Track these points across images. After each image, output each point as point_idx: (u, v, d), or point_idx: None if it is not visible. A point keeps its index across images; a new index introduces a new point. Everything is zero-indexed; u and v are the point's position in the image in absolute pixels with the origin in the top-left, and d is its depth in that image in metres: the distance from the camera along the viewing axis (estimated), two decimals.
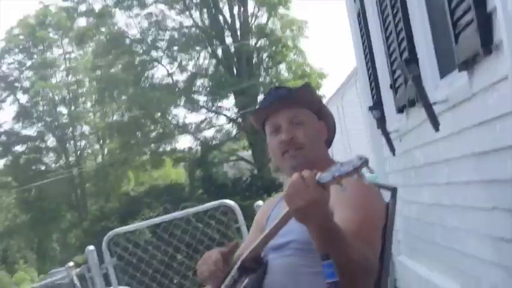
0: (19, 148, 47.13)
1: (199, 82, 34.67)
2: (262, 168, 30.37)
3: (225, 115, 34.17)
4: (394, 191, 3.08)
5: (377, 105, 6.20)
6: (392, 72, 5.29)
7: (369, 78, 6.97)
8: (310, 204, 2.54)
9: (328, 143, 3.15)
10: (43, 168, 46.66)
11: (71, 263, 6.94)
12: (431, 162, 4.50)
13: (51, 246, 58.51)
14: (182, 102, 33.91)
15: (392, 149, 5.89)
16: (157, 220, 7.01)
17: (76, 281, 6.53)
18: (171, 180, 35.44)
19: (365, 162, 2.50)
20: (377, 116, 6.06)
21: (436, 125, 3.90)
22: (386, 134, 5.93)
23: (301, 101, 3.05)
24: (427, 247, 5.17)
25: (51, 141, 47.65)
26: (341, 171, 2.51)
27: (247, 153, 33.95)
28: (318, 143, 3.05)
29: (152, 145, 34.78)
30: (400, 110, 5.16)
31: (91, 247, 6.54)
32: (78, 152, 47.69)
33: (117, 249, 6.78)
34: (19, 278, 52.77)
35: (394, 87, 5.31)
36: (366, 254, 2.69)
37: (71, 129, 47.30)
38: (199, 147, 34.77)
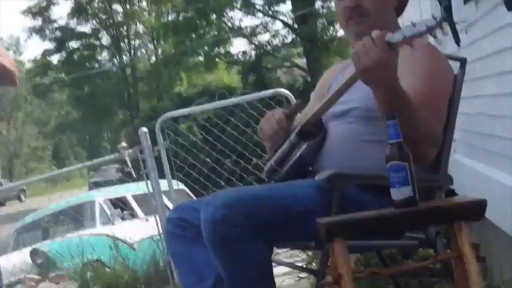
0: (73, 44, 47.36)
1: None
2: (316, 76, 30.08)
3: (282, 20, 33.84)
4: (463, 61, 2.99)
5: None
6: None
7: None
8: (378, 65, 2.48)
9: (398, 11, 3.02)
10: (97, 66, 46.87)
11: (124, 144, 6.96)
12: (500, 49, 4.35)
13: (102, 144, 59.49)
14: (238, 5, 33.58)
15: (457, 41, 5.71)
16: (212, 105, 6.95)
17: (128, 161, 6.55)
18: (223, 84, 35.42)
19: (440, 22, 2.39)
20: (444, 4, 5.87)
21: (509, 4, 3.74)
22: (452, 25, 5.74)
23: None
24: (486, 142, 5.07)
25: (105, 39, 47.80)
26: (413, 31, 2.42)
27: (302, 61, 33.72)
28: (385, 10, 2.94)
29: (206, 47, 34.63)
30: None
31: (144, 129, 6.55)
32: (132, 51, 47.82)
33: (170, 133, 6.78)
34: (69, 173, 53.89)
35: None
36: (431, 124, 2.63)
37: (125, 27, 47.32)
38: (253, 52, 34.63)
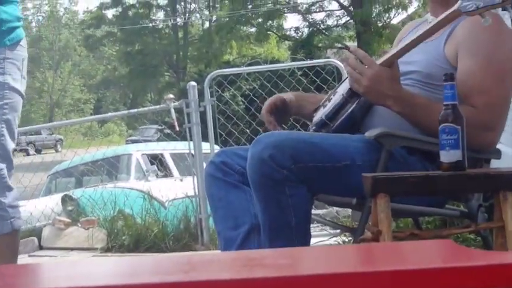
0: (130, 0, 47.49)
1: None
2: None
3: (338, 1, 33.63)
4: None
5: None
6: None
7: None
8: (376, 80, 2.61)
9: None
10: (150, 25, 46.99)
11: (171, 95, 6.96)
12: None
13: (145, 104, 59.76)
14: None
15: None
16: (263, 67, 6.96)
17: (172, 111, 6.56)
18: (272, 57, 35.35)
19: None
20: None
21: None
22: None
23: None
24: None
25: None
26: (486, 1, 2.40)
27: (353, 44, 33.52)
28: None
29: (260, 19, 34.53)
30: None
31: (193, 83, 6.55)
32: (187, 15, 47.89)
33: (218, 90, 6.78)
34: (108, 129, 54.32)
35: None
36: (479, 113, 2.59)
37: None
38: (306, 29, 34.48)
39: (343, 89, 2.86)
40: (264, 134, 2.64)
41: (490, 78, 2.64)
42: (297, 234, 2.58)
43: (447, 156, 2.33)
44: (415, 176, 2.35)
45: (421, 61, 2.77)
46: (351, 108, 2.80)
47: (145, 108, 7.26)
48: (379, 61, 2.67)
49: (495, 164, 2.81)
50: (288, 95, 3.10)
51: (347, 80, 2.87)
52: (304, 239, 2.61)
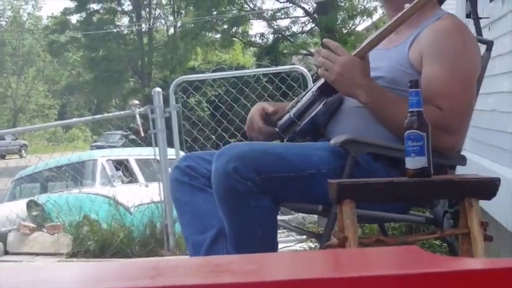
0: (95, 6, 47.23)
1: None
2: None
3: (303, 8, 33.73)
4: (490, 44, 2.97)
5: None
6: None
7: None
8: (347, 67, 2.64)
9: None
10: (115, 30, 46.79)
11: (136, 101, 6.94)
12: None
13: (109, 109, 59.43)
14: None
15: (479, 36, 5.71)
16: (229, 73, 6.95)
17: (137, 117, 6.54)
18: (237, 64, 35.37)
19: None
20: None
21: None
22: (476, 21, 5.73)
23: None
24: (496, 139, 5.06)
25: (127, 4, 47.68)
26: None
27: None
28: None
29: (225, 25, 34.55)
30: None
31: (158, 89, 6.53)
32: (152, 21, 47.74)
33: (184, 97, 6.77)
34: (72, 134, 53.97)
35: None
36: (444, 115, 2.60)
37: None
38: (271, 36, 34.54)
39: (312, 88, 2.86)
40: (227, 146, 2.64)
41: (455, 83, 2.66)
42: (263, 245, 2.58)
43: (413, 162, 2.34)
44: (380, 182, 2.36)
45: (385, 67, 2.78)
46: (319, 106, 2.80)
47: (110, 114, 7.24)
48: (352, 53, 2.69)
49: (461, 170, 2.83)
50: (265, 104, 3.09)
51: (315, 83, 2.88)
52: (271, 249, 2.62)
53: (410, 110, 2.36)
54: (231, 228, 2.61)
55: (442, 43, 2.70)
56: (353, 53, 2.68)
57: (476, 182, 2.36)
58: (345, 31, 32.57)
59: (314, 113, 2.80)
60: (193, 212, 2.81)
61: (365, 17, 32.45)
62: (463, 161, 2.75)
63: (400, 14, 2.59)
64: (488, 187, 2.35)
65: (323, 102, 2.78)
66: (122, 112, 6.90)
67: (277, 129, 2.92)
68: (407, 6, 2.55)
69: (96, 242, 6.54)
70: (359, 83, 2.63)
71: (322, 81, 2.77)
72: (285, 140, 2.91)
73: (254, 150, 2.59)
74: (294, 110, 2.86)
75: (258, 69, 6.78)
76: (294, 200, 2.67)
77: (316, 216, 2.99)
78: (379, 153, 2.66)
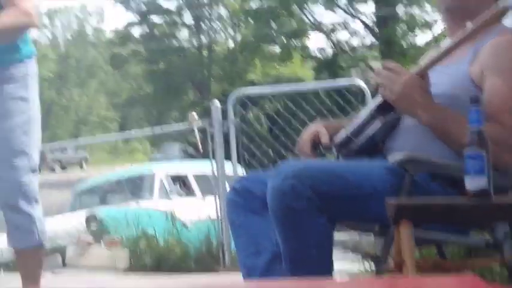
0: (156, 20, 47.69)
1: None
2: None
3: (362, 21, 33.60)
4: None
5: None
6: None
7: None
8: (408, 86, 2.57)
9: None
10: (176, 43, 47.14)
11: (194, 115, 6.94)
12: None
13: (169, 122, 59.80)
14: (321, 0, 33.40)
15: None
16: (287, 88, 6.93)
17: (196, 132, 6.54)
18: (296, 77, 35.35)
19: None
20: None
21: None
22: None
23: None
24: None
25: (188, 18, 48.01)
26: None
27: (377, 64, 33.45)
28: None
29: (284, 38, 34.58)
30: None
31: (216, 103, 6.53)
32: (212, 34, 47.99)
33: (242, 111, 6.74)
34: (132, 146, 54.51)
35: None
36: (495, 131, 2.51)
37: (208, 9, 47.49)
38: (330, 49, 34.46)
39: (370, 106, 2.81)
40: (284, 164, 2.61)
41: None
42: (319, 265, 2.54)
43: (472, 182, 2.27)
44: (439, 204, 2.30)
45: (446, 83, 2.72)
46: (377, 125, 2.75)
47: (169, 128, 7.24)
48: (412, 71, 2.64)
49: None
50: (321, 129, 3.02)
51: (373, 100, 2.83)
52: (326, 270, 2.57)
53: (470, 127, 2.29)
54: (286, 248, 2.56)
55: (503, 58, 2.64)
56: (413, 72, 2.62)
57: None
58: (404, 44, 32.35)
59: (372, 132, 2.75)
60: (247, 234, 2.79)
61: (425, 30, 32.21)
62: None
63: (462, 33, 2.53)
64: None
65: (381, 121, 2.73)
66: (181, 125, 6.90)
67: (333, 146, 2.88)
68: (469, 24, 2.49)
69: (153, 258, 6.57)
70: (420, 102, 2.57)
71: (380, 99, 2.72)
72: (340, 157, 2.87)
73: (311, 168, 2.54)
74: (351, 127, 2.81)
75: (316, 84, 6.74)
76: (351, 219, 2.62)
77: (373, 236, 2.93)
78: (437, 172, 2.60)
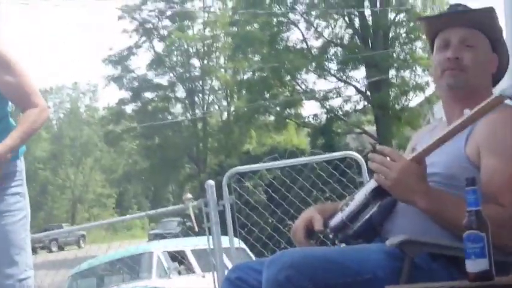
0: (149, 95, 48.05)
1: (332, 50, 34.40)
2: (385, 143, 29.81)
3: (354, 86, 33.80)
4: None
5: None
6: None
7: None
8: (404, 174, 2.53)
9: (495, 80, 2.92)
10: (169, 118, 47.41)
11: (189, 195, 6.92)
12: None
13: (166, 196, 59.84)
14: (313, 68, 33.68)
15: None
16: (282, 163, 6.91)
17: (191, 213, 6.49)
18: (292, 145, 35.44)
19: None
20: None
21: None
22: None
23: (481, 23, 2.84)
24: None
25: (180, 92, 48.41)
26: None
27: (372, 128, 33.59)
28: (483, 73, 2.84)
29: (278, 107, 34.75)
30: None
31: (211, 182, 6.48)
32: (205, 106, 48.29)
33: (237, 188, 6.71)
34: (131, 223, 54.27)
35: None
36: (496, 212, 2.47)
37: (201, 82, 47.90)
38: (324, 116, 34.59)
39: (365, 190, 2.76)
40: (278, 254, 2.53)
41: None
42: None
43: (473, 265, 2.21)
44: None
45: (442, 162, 2.68)
46: (373, 209, 2.69)
47: (164, 209, 7.21)
48: (408, 157, 2.60)
49: None
50: (315, 214, 2.98)
51: (368, 183, 2.79)
52: None
53: (468, 209, 2.24)
54: None
55: (499, 135, 2.62)
56: (409, 158, 2.59)
57: None
58: (398, 107, 32.51)
59: (368, 215, 2.70)
60: None
61: (417, 92, 32.40)
62: None
63: (460, 121, 2.49)
64: None
65: (377, 205, 2.69)
66: (176, 207, 6.86)
67: (328, 231, 2.82)
68: (467, 112, 2.45)
69: None
70: (416, 189, 2.53)
71: (375, 183, 2.68)
72: (336, 241, 2.81)
73: (307, 257, 2.48)
74: (346, 212, 2.75)
75: (311, 157, 6.72)
76: None
77: None
78: (437, 252, 2.54)
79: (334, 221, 2.81)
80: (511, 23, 7.12)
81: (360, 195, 2.76)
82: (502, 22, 2.98)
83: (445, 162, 2.67)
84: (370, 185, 2.73)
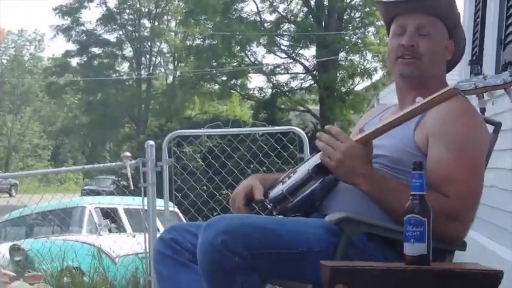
0: (96, 50, 47.50)
1: (285, 26, 34.36)
2: (327, 123, 29.84)
3: (303, 64, 33.81)
4: (498, 125, 2.87)
5: (477, 60, 5.98)
6: (506, 27, 5.05)
7: (473, 31, 6.76)
8: (347, 155, 2.54)
9: (450, 65, 2.91)
10: (114, 75, 46.96)
11: (127, 153, 6.83)
12: None
13: (103, 153, 59.32)
14: (264, 42, 33.61)
15: (482, 111, 5.64)
16: (225, 131, 6.86)
17: (128, 171, 6.42)
18: (234, 116, 35.40)
19: None
20: (475, 72, 5.83)
21: None
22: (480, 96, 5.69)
23: (439, 10, 2.80)
24: (494, 216, 4.95)
25: (128, 51, 47.95)
26: (486, 82, 2.36)
27: (315, 108, 33.68)
28: (438, 61, 2.83)
29: (224, 77, 34.62)
30: (504, 68, 4.91)
31: (151, 142, 6.42)
32: (151, 68, 47.93)
33: (176, 151, 6.65)
34: (64, 176, 53.73)
35: (503, 42, 5.08)
36: (449, 201, 2.51)
37: (149, 43, 47.50)
38: (269, 90, 34.58)
39: (308, 165, 2.74)
40: (215, 218, 2.51)
41: (463, 167, 2.55)
42: None
43: (411, 248, 2.22)
44: (377, 268, 2.23)
45: (390, 146, 2.68)
46: (314, 185, 2.67)
47: (101, 165, 7.12)
48: (355, 138, 2.59)
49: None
50: (256, 183, 2.94)
51: (311, 158, 2.77)
52: None
53: (412, 193, 2.24)
54: None
55: (449, 126, 2.61)
56: (355, 139, 2.58)
57: (478, 275, 2.21)
58: (343, 90, 32.64)
59: (309, 191, 2.68)
60: (175, 287, 2.69)
61: (365, 78, 32.56)
62: (463, 246, 2.63)
63: (411, 108, 2.50)
64: (490, 280, 2.21)
65: (319, 181, 2.67)
66: (113, 164, 6.79)
67: (268, 201, 2.80)
68: (419, 99, 2.47)
69: None
70: (358, 172, 2.53)
71: (319, 160, 2.66)
72: (274, 213, 2.78)
73: (244, 224, 2.46)
74: (287, 185, 2.73)
75: (255, 128, 6.71)
76: (283, 278, 2.56)
77: None
78: (374, 233, 2.54)
79: (275, 192, 2.79)
80: (468, 7, 7.21)
81: (303, 170, 2.75)
82: (460, 7, 2.98)
83: (392, 145, 2.67)
84: (314, 160, 2.72)
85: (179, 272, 2.68)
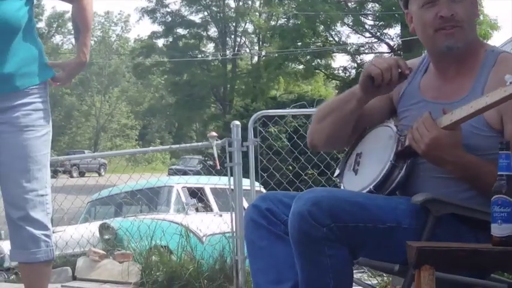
0: (181, 31, 47.83)
1: (369, 5, 34.02)
2: None
3: (387, 43, 33.49)
4: None
5: None
6: None
7: None
8: (433, 146, 2.50)
9: None
10: (200, 56, 47.24)
11: (214, 133, 6.90)
12: None
13: (189, 133, 59.86)
14: (348, 21, 33.38)
15: None
16: (309, 111, 6.85)
17: (215, 151, 6.49)
18: (319, 96, 35.28)
19: None
20: None
21: None
22: None
23: None
24: None
25: (213, 31, 48.17)
26: None
27: None
28: (474, 23, 2.73)
29: (309, 57, 34.51)
30: None
31: (237, 122, 6.47)
32: (237, 48, 48.06)
33: (262, 131, 6.67)
34: (152, 156, 54.43)
35: None
36: None
37: (234, 24, 47.62)
38: (354, 70, 34.36)
39: (382, 151, 2.71)
40: (306, 191, 2.52)
41: None
42: None
43: (499, 229, 2.20)
44: (464, 249, 2.22)
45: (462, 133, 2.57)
46: (400, 174, 2.65)
47: (187, 145, 7.20)
48: (442, 124, 2.51)
49: None
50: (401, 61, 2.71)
51: (379, 140, 2.76)
52: None
53: (499, 173, 2.22)
54: (303, 276, 2.49)
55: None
56: (442, 126, 2.50)
57: None
58: None
59: (395, 183, 2.65)
60: (269, 259, 2.67)
61: None
62: None
63: (507, 94, 2.28)
64: None
65: (403, 168, 2.65)
66: (199, 143, 6.85)
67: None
68: (508, 77, 2.28)
69: (165, 274, 6.48)
70: (447, 159, 2.50)
71: (397, 147, 2.65)
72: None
73: (332, 197, 2.46)
74: (375, 180, 2.67)
75: None
76: (371, 254, 2.51)
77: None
78: (466, 216, 2.52)
79: (358, 186, 2.75)
80: None
81: (380, 158, 2.70)
82: None
83: (465, 133, 2.54)
84: (386, 145, 2.70)
85: (274, 244, 2.66)
